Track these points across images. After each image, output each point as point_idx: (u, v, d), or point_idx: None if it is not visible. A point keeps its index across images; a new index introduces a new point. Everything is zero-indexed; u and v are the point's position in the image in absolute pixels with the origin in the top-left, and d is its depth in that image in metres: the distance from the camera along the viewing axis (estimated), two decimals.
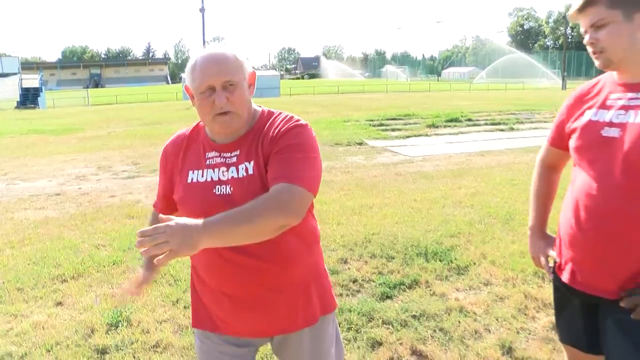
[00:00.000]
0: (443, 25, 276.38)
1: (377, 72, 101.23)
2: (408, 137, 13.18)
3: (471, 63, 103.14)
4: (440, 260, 4.42)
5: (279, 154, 1.58)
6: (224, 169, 1.65)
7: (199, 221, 1.37)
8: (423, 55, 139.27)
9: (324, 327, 1.85)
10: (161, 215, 1.36)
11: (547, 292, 3.68)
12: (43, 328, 3.50)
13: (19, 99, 35.50)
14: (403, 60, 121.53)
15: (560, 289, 1.85)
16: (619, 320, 1.63)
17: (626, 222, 1.58)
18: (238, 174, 1.63)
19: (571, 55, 70.98)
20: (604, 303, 1.67)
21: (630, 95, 1.62)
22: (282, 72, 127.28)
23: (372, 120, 16.59)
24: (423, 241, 4.86)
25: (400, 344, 3.14)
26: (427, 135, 13.49)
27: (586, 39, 1.65)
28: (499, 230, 5.21)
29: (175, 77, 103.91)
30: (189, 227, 1.33)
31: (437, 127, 14.89)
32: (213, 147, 1.70)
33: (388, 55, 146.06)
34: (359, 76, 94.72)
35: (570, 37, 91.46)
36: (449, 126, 15.11)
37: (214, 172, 1.67)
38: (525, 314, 3.50)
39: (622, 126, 1.59)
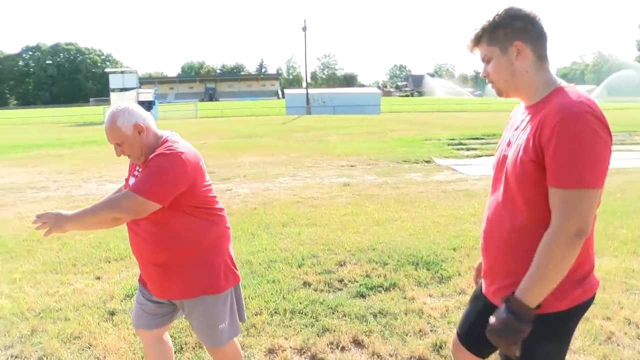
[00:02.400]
0: (560, 40, 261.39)
1: (488, 91, 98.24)
2: (479, 156, 13.22)
3: (591, 81, 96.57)
4: (427, 269, 4.79)
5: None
6: (135, 178, 2.44)
7: (69, 212, 2.15)
8: None
9: (210, 304, 2.47)
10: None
11: None
12: (79, 293, 4.41)
13: None
14: None
15: (479, 285, 2.09)
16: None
17: (501, 236, 1.78)
18: None
19: None
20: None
21: (522, 117, 1.77)
22: (392, 89, 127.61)
23: (452, 139, 16.71)
24: (422, 252, 5.24)
25: (346, 333, 3.63)
26: None
27: (481, 72, 1.84)
28: None
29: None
30: (61, 216, 2.13)
31: None
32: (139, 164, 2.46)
33: None
34: (468, 94, 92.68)
35: None
36: None
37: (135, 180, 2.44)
38: None
39: (512, 145, 1.75)
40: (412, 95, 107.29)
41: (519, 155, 1.67)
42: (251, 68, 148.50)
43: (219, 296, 2.46)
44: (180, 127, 26.37)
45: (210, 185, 2.48)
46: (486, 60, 1.77)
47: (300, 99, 44.24)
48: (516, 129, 1.78)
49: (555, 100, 1.62)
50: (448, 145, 15.48)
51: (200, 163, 2.39)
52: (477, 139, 16.99)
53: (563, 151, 1.53)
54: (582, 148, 1.52)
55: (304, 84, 48.79)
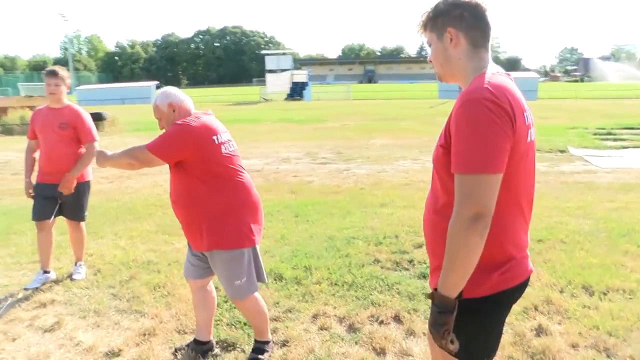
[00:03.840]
0: None
1: None
2: (625, 147, 12.06)
3: None
4: None
5: None
6: None
7: (109, 153, 2.83)
8: None
9: (224, 259, 2.88)
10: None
11: (570, 303, 3.85)
12: (176, 252, 5.12)
13: (288, 92, 41.28)
14: None
15: None
16: None
17: (428, 218, 1.84)
18: None
19: None
20: None
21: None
22: (559, 74, 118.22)
23: (601, 129, 15.36)
24: None
25: (391, 308, 3.80)
26: None
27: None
28: (598, 242, 5.11)
29: None
30: (102, 154, 2.85)
31: None
32: None
33: None
34: None
35: None
36: None
37: None
38: (526, 315, 3.69)
39: None
40: (581, 80, 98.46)
41: (437, 140, 1.74)
42: (411, 50, 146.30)
43: (230, 253, 2.85)
44: (329, 109, 27.59)
45: (231, 158, 2.87)
46: (429, 44, 1.82)
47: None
48: None
49: (467, 87, 1.65)
50: (594, 135, 14.29)
51: (213, 137, 2.80)
52: (631, 129, 15.42)
53: (459, 137, 1.56)
54: (475, 134, 1.53)
55: None
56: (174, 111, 2.87)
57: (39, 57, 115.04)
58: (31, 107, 17.63)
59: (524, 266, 1.80)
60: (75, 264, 4.61)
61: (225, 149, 2.85)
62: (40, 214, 4.30)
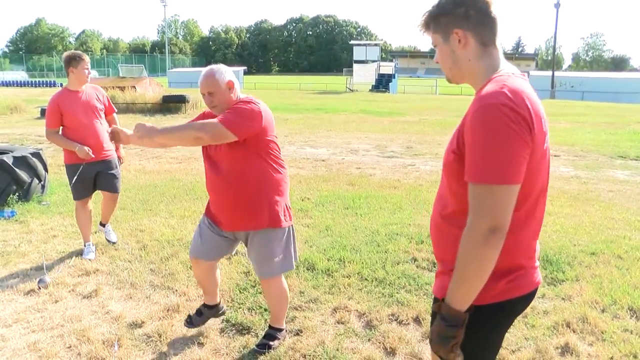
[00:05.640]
0: None
1: None
2: None
3: None
4: (544, 269, 4.47)
5: None
6: None
7: (159, 126, 2.72)
8: None
9: (271, 237, 2.98)
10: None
11: (610, 325, 3.62)
12: None
13: (374, 83, 41.04)
14: None
15: None
16: None
17: (434, 222, 1.78)
18: None
19: None
20: None
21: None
22: None
23: None
24: (552, 250, 4.88)
25: (414, 309, 3.74)
26: None
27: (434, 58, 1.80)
28: None
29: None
30: (153, 129, 2.66)
31: None
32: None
33: None
34: None
35: None
36: None
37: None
38: (555, 330, 3.55)
39: None
40: None
41: (449, 144, 1.67)
42: (507, 46, 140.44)
43: (278, 231, 2.97)
44: (412, 102, 27.47)
45: (277, 140, 2.98)
46: (434, 46, 1.74)
47: (546, 81, 41.08)
48: None
49: (481, 91, 1.57)
50: None
51: (271, 118, 2.90)
52: None
53: (474, 145, 1.49)
54: (491, 142, 1.45)
55: (564, 66, 44.85)
56: (229, 89, 2.89)
57: (139, 40, 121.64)
58: (122, 88, 18.76)
59: (531, 277, 1.71)
60: (104, 226, 5.07)
61: (275, 130, 2.99)
62: (85, 194, 4.65)
